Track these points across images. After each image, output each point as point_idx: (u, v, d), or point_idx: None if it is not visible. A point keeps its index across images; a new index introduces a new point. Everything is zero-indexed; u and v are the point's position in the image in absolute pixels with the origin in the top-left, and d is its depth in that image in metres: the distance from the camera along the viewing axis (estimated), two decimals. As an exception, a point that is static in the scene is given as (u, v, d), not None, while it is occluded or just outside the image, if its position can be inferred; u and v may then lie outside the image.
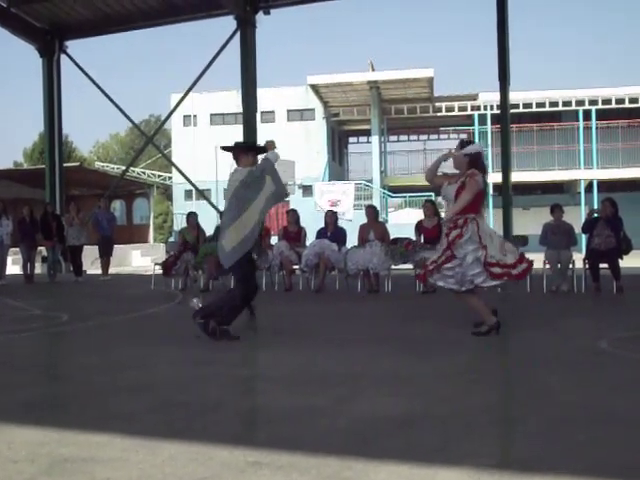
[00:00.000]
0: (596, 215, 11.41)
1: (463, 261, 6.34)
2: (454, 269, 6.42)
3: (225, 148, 7.13)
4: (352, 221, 23.84)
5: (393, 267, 11.53)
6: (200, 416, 3.82)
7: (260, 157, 6.84)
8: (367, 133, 37.29)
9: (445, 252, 6.44)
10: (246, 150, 6.93)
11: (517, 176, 24.04)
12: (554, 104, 35.33)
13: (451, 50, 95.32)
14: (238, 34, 18.07)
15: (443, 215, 7.88)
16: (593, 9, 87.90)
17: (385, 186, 35.23)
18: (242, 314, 6.77)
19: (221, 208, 21.62)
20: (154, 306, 9.90)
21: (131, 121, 21.92)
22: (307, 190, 33.94)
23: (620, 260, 10.82)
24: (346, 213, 28.85)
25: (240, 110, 19.03)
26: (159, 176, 45.95)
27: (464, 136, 40.65)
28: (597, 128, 34.94)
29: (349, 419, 3.67)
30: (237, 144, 7.14)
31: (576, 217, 23.74)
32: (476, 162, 6.61)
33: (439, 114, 36.61)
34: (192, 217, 13.28)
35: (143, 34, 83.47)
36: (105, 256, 16.37)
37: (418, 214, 16.26)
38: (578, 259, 11.22)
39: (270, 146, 6.83)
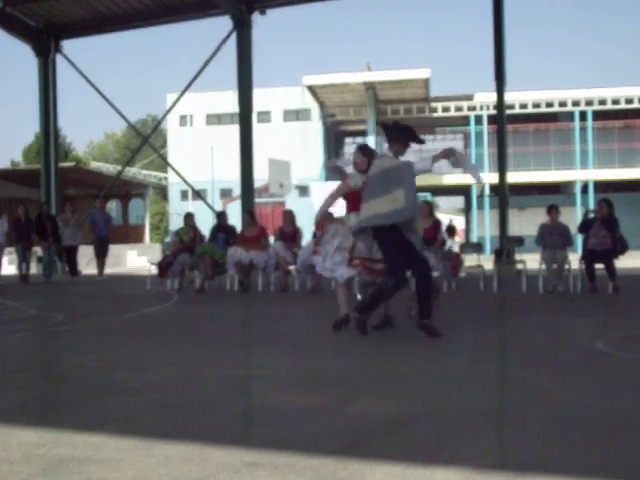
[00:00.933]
0: (592, 215, 11.44)
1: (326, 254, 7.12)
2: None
3: (399, 128, 6.68)
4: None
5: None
6: (196, 417, 3.81)
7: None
8: (363, 133, 37.35)
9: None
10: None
11: (513, 176, 24.08)
12: (550, 105, 35.42)
13: (447, 50, 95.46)
14: (234, 34, 18.08)
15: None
16: (590, 10, 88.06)
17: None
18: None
19: (217, 208, 21.66)
20: (150, 306, 9.88)
21: (127, 121, 21.91)
22: (303, 190, 33.94)
23: (616, 260, 10.85)
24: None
25: (236, 110, 19.03)
26: (155, 176, 45.94)
27: (460, 136, 40.80)
28: (593, 129, 35.03)
29: (345, 419, 3.66)
30: (402, 129, 6.70)
31: (572, 217, 23.78)
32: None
33: (435, 114, 36.70)
34: (189, 218, 13.27)
35: (139, 34, 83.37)
36: (101, 256, 16.36)
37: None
38: (574, 259, 11.24)
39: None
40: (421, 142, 6.80)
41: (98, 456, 3.11)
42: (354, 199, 6.78)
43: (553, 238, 11.07)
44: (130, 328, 7.90)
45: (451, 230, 18.68)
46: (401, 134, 6.59)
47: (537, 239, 11.36)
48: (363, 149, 7.13)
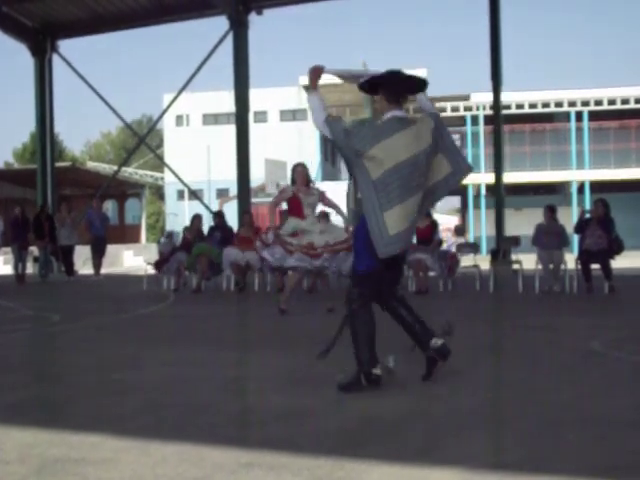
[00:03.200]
0: (588, 216, 11.45)
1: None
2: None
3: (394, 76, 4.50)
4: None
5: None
6: (192, 417, 3.81)
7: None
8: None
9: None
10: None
11: (509, 177, 24.10)
12: (546, 105, 35.46)
13: (443, 50, 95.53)
14: (231, 34, 18.06)
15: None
16: (586, 11, 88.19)
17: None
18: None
19: (213, 208, 21.65)
20: (146, 307, 9.87)
21: (123, 121, 21.88)
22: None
23: (612, 260, 10.87)
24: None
25: (233, 110, 19.02)
26: (151, 176, 45.89)
27: (457, 136, 40.81)
28: (589, 129, 35.08)
29: (341, 420, 3.66)
30: (409, 77, 4.59)
31: (568, 218, 23.82)
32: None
33: (431, 114, 36.64)
34: (197, 219, 13.25)
35: (135, 33, 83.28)
36: (97, 256, 16.34)
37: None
38: (570, 259, 11.26)
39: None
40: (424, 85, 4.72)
41: (94, 456, 3.10)
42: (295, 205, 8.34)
43: (549, 238, 11.09)
44: (126, 328, 7.89)
45: (460, 230, 18.65)
46: (406, 80, 4.59)
47: (533, 239, 11.38)
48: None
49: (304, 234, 8.29)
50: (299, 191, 8.39)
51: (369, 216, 4.28)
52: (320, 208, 9.26)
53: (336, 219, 12.89)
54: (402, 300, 4.71)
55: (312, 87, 4.62)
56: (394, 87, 4.50)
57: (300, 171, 8.55)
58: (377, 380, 4.32)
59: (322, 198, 8.60)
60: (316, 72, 4.59)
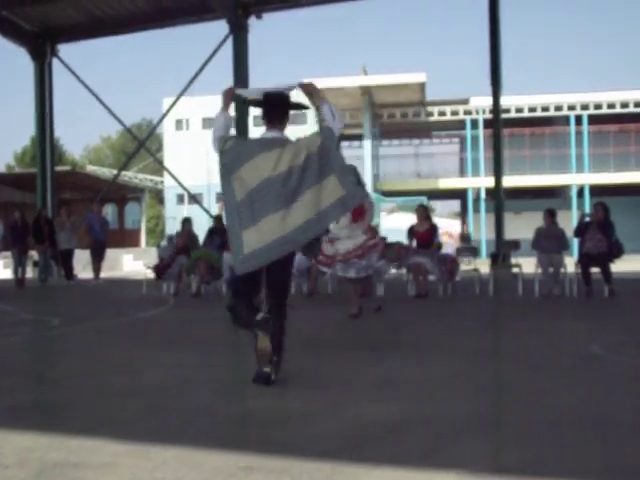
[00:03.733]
0: (588, 219, 11.45)
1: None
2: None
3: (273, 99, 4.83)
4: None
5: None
6: (191, 420, 3.80)
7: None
8: (359, 137, 37.33)
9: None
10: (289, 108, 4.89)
11: (509, 180, 24.08)
12: (546, 109, 35.47)
13: (443, 55, 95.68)
14: (230, 38, 18.08)
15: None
16: (586, 15, 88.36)
17: (377, 190, 35.28)
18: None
19: (213, 212, 21.64)
20: (145, 311, 9.87)
21: (123, 125, 21.89)
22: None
23: (612, 264, 10.87)
24: None
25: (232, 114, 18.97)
26: (151, 180, 45.90)
27: (456, 140, 40.86)
28: (589, 133, 35.10)
29: (340, 423, 3.66)
30: (288, 98, 4.90)
31: (568, 221, 23.83)
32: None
33: (431, 119, 36.70)
34: (187, 223, 13.20)
35: (135, 37, 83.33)
36: (97, 260, 16.33)
37: (410, 218, 16.26)
38: (570, 263, 11.26)
39: (312, 89, 4.94)
40: (304, 107, 5.21)
41: (93, 460, 3.10)
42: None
43: (549, 242, 11.08)
44: (126, 332, 7.88)
45: (465, 238, 18.64)
46: (287, 105, 4.92)
47: (533, 243, 11.38)
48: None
49: (337, 242, 8.37)
50: None
51: (230, 233, 4.51)
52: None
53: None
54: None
55: (223, 106, 4.91)
56: (267, 109, 4.77)
57: None
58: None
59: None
60: (228, 94, 4.92)
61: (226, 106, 4.91)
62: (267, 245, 4.38)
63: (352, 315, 8.35)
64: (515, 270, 12.31)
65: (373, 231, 8.42)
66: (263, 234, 4.38)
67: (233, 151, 4.57)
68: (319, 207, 4.47)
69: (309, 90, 4.93)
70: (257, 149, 4.55)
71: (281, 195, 4.40)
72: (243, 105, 5.39)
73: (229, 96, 4.96)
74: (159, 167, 38.23)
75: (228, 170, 4.53)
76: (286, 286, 4.90)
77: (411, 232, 11.57)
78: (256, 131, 5.08)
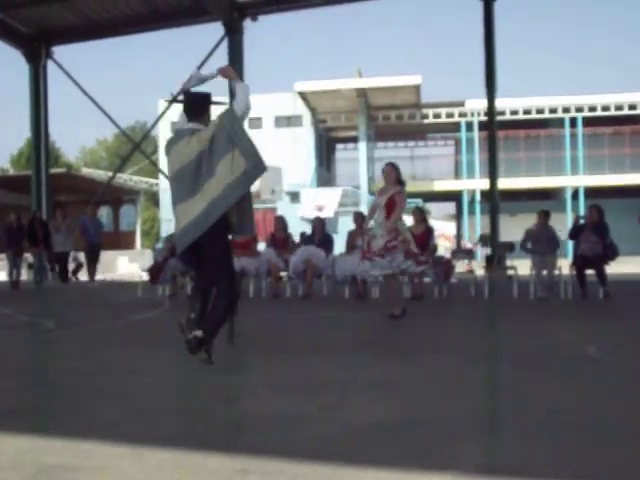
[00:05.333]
0: (582, 221, 11.47)
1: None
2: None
3: (192, 96, 5.34)
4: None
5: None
6: (186, 423, 3.80)
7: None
8: (355, 140, 37.37)
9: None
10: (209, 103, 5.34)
11: (504, 182, 24.12)
12: (541, 111, 35.56)
13: (438, 57, 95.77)
14: (225, 40, 18.09)
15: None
16: (580, 18, 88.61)
17: (373, 192, 35.28)
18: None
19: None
20: (141, 313, 9.85)
21: (118, 127, 21.89)
22: (295, 197, 33.91)
23: (606, 266, 10.89)
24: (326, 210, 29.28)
25: (227, 116, 18.95)
26: (146, 182, 45.82)
27: (451, 142, 40.93)
28: (583, 135, 35.18)
29: (337, 425, 3.66)
30: (206, 96, 5.36)
31: (563, 223, 23.87)
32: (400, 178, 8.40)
33: (426, 121, 36.75)
34: None
35: (131, 40, 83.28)
36: (92, 263, 16.30)
37: (405, 220, 16.23)
38: (565, 265, 11.28)
39: (229, 73, 5.42)
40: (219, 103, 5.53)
41: (88, 463, 3.09)
42: None
43: (540, 246, 11.07)
44: (121, 334, 7.87)
45: (485, 240, 18.37)
46: (201, 102, 5.33)
47: (521, 244, 11.37)
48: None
49: (373, 239, 8.36)
50: (381, 191, 8.49)
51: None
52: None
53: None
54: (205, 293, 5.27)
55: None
56: (186, 106, 5.27)
57: (387, 170, 8.44)
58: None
59: (393, 197, 8.28)
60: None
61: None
62: (190, 223, 4.91)
63: (392, 315, 8.22)
64: (510, 272, 12.33)
65: (396, 232, 8.33)
66: (185, 214, 4.94)
67: (167, 142, 5.23)
68: (225, 182, 4.88)
69: (226, 74, 5.40)
70: (174, 141, 5.14)
71: (195, 182, 4.92)
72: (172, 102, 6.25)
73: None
74: (154, 169, 38.18)
75: (165, 153, 5.23)
76: (214, 269, 5.14)
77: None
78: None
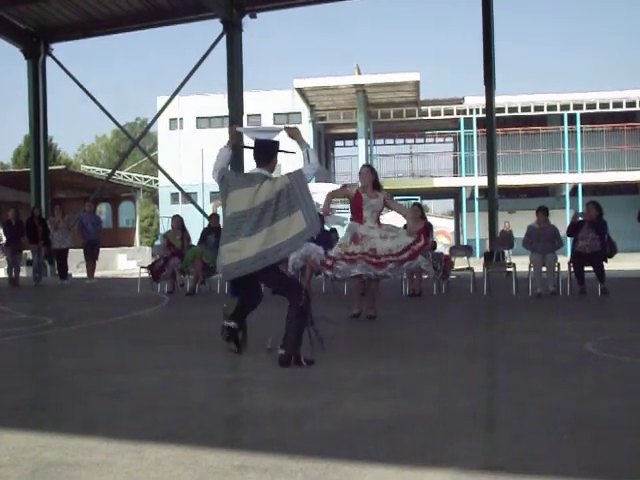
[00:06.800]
0: (581, 218, 11.47)
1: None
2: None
3: (262, 145, 5.64)
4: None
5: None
6: (185, 419, 3.81)
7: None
8: (353, 136, 37.35)
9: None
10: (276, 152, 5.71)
11: (503, 179, 24.11)
12: (539, 108, 35.52)
13: (437, 54, 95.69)
14: (224, 37, 18.07)
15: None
16: (579, 15, 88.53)
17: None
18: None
19: (207, 211, 21.62)
20: (140, 310, 9.86)
21: (117, 124, 21.87)
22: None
23: (605, 263, 10.89)
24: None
25: (226, 113, 18.98)
26: (145, 179, 45.81)
27: (450, 139, 40.89)
28: (582, 132, 35.17)
29: (335, 422, 3.66)
30: (275, 144, 5.74)
31: (561, 220, 23.87)
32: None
33: (425, 118, 36.72)
34: (176, 219, 13.20)
35: (129, 37, 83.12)
36: (91, 260, 16.28)
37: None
38: (563, 262, 11.28)
39: (295, 136, 5.69)
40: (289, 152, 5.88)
41: (88, 460, 3.10)
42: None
43: (541, 244, 11.03)
44: (120, 331, 7.87)
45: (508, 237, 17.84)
46: (271, 150, 5.71)
47: (524, 242, 11.34)
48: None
49: (364, 239, 7.94)
50: (363, 191, 8.10)
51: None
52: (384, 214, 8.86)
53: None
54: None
55: (228, 142, 5.82)
56: (256, 152, 5.58)
57: (364, 172, 8.27)
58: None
59: (385, 202, 8.20)
60: (234, 134, 5.90)
61: (229, 143, 5.80)
62: (230, 264, 5.38)
63: (370, 316, 8.16)
64: (509, 269, 12.33)
65: (417, 235, 8.19)
66: (229, 254, 5.37)
67: (228, 180, 5.51)
68: (284, 237, 5.27)
69: (291, 134, 5.70)
70: (243, 183, 5.44)
71: (244, 227, 5.29)
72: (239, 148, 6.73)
73: (235, 136, 5.91)
74: (153, 166, 38.16)
75: (222, 193, 5.52)
76: (277, 287, 5.68)
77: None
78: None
